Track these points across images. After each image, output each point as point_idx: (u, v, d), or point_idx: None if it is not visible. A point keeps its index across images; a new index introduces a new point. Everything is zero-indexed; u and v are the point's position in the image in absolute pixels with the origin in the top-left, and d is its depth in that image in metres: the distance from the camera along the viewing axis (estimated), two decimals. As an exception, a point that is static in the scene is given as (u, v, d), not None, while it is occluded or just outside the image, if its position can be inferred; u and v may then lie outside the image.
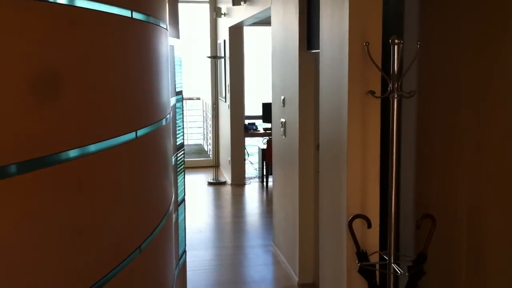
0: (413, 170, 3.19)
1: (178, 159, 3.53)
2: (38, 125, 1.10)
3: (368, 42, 2.75)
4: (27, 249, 1.08)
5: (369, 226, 2.79)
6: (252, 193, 7.51)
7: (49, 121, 1.14)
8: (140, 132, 1.66)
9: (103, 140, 1.37)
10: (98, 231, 1.36)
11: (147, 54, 1.82)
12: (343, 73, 2.99)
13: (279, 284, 4.36)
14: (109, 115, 1.42)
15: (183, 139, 3.70)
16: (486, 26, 2.50)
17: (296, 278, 4.24)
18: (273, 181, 5.14)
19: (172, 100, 3.19)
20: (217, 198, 7.30)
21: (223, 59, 8.05)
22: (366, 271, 2.78)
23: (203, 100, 10.70)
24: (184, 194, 3.78)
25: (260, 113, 8.31)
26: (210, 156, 9.33)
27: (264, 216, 6.27)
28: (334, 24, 3.16)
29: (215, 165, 8.39)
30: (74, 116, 1.23)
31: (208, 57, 8.30)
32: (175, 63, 3.38)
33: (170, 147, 2.35)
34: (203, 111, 10.69)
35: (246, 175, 8.05)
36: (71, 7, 1.23)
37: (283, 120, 4.52)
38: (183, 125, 3.74)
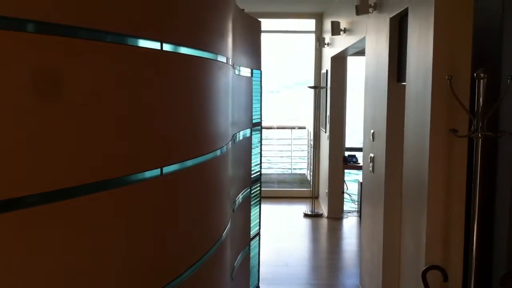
0: (508, 218, 2.84)
1: (253, 192, 3.45)
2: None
3: (451, 76, 2.51)
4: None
5: (445, 279, 2.50)
6: (348, 227, 7.23)
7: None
8: (171, 168, 1.60)
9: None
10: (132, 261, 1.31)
11: (199, 88, 1.77)
12: (426, 108, 2.76)
13: (360, 329, 4.08)
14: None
15: (260, 173, 3.62)
16: None
17: (378, 325, 3.95)
18: (362, 218, 4.89)
19: (246, 132, 3.13)
20: (311, 231, 7.11)
21: (325, 89, 7.93)
22: (441, 329, 2.49)
23: (308, 130, 10.61)
24: (259, 228, 3.68)
25: (362, 145, 8.04)
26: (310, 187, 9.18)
27: (359, 254, 5.98)
28: (420, 55, 2.94)
29: (312, 197, 8.21)
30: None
31: (309, 87, 8.22)
32: (253, 95, 3.33)
33: (225, 177, 2.28)
34: (308, 140, 10.59)
35: (344, 209, 7.78)
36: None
37: (372, 155, 4.29)
38: (261, 157, 3.66)
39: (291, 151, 11.01)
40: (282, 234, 6.84)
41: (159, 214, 1.54)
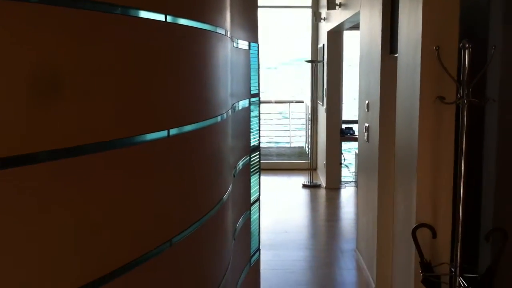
0: (494, 181, 3.02)
1: (252, 160, 3.62)
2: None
3: (438, 46, 2.65)
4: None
5: (434, 236, 2.69)
6: (346, 197, 7.44)
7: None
8: (173, 131, 1.76)
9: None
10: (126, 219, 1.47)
11: (200, 58, 1.92)
12: (416, 78, 2.91)
13: (356, 290, 4.31)
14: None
15: (259, 142, 3.79)
16: None
17: (373, 285, 4.16)
18: (358, 187, 5.08)
19: (245, 103, 3.28)
20: (310, 201, 7.32)
21: (322, 63, 8.06)
22: (430, 282, 2.68)
23: (305, 104, 10.76)
24: (259, 194, 3.87)
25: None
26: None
27: (355, 221, 6.20)
28: (410, 27, 3.08)
29: (311, 168, 8.40)
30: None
31: (307, 61, 8.35)
32: (251, 66, 3.48)
33: (226, 142, 2.44)
34: (306, 114, 10.75)
35: (342, 179, 7.99)
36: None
37: (367, 124, 4.45)
38: (259, 127, 3.83)
39: (289, 125, 11.18)
40: (281, 204, 7.06)
41: (167, 173, 1.71)
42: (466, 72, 2.53)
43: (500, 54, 2.89)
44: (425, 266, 2.69)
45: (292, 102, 11.01)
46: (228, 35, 2.49)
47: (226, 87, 2.42)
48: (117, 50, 1.40)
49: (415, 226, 2.71)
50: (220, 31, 2.25)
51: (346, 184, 7.96)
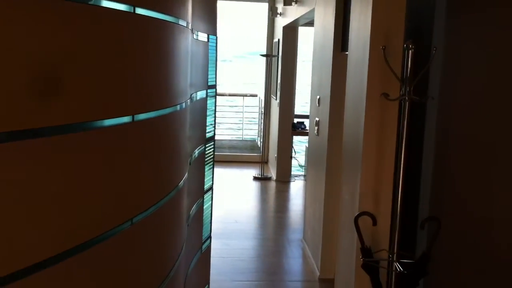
0: (431, 173, 3.24)
1: (207, 150, 3.73)
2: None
3: (385, 46, 2.84)
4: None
5: (374, 223, 2.88)
6: (295, 190, 7.64)
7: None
8: (143, 116, 1.86)
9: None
10: (89, 196, 1.56)
11: (163, 48, 2.02)
12: (363, 75, 3.09)
13: (302, 277, 4.49)
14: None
15: (214, 132, 3.90)
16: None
17: (318, 273, 4.36)
18: (307, 179, 5.27)
19: (202, 93, 3.39)
20: (260, 193, 7.49)
21: (277, 58, 8.22)
22: (369, 267, 2.87)
23: (259, 98, 10.92)
24: (212, 183, 3.99)
25: (310, 112, 8.42)
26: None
27: (303, 213, 6.40)
28: (360, 27, 3.25)
29: (262, 161, 8.57)
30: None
31: (262, 55, 8.50)
32: (209, 58, 3.59)
33: (184, 130, 2.55)
34: (259, 108, 10.90)
35: (292, 173, 8.19)
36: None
37: (317, 119, 4.64)
38: (215, 118, 3.94)
39: (242, 118, 11.32)
40: (232, 195, 7.19)
41: (129, 156, 1.81)
42: (408, 71, 2.72)
43: (442, 56, 3.11)
44: (365, 252, 2.88)
45: (246, 95, 11.14)
46: (189, 27, 2.59)
47: (186, 77, 2.53)
48: (80, 38, 1.48)
49: (357, 214, 2.90)
50: (182, 23, 2.36)
51: (295, 177, 8.16)
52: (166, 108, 2.14)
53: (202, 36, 3.23)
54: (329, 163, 4.24)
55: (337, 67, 4.13)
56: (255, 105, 11.30)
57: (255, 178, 8.09)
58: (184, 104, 2.49)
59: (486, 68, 2.65)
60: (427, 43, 3.23)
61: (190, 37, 2.71)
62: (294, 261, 4.87)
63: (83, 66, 1.48)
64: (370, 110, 3.03)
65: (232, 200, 6.93)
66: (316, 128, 4.66)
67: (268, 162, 8.95)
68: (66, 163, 1.44)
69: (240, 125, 11.52)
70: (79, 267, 1.50)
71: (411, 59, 2.71)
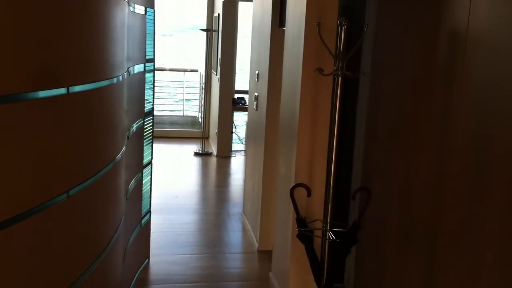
0: (362, 146, 3.39)
1: (146, 124, 3.73)
2: None
3: (319, 23, 2.92)
4: None
5: (309, 195, 2.99)
6: (236, 165, 7.73)
7: None
8: (77, 88, 1.86)
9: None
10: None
11: (98, 20, 2.01)
12: (299, 51, 3.17)
13: (241, 249, 4.60)
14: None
15: (152, 107, 3.90)
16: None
17: (256, 245, 4.47)
18: (246, 153, 5.35)
19: (140, 67, 3.37)
20: (200, 168, 7.53)
21: (217, 33, 8.20)
22: (304, 236, 2.99)
23: (200, 73, 10.86)
24: (151, 158, 3.99)
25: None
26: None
27: (243, 187, 6.49)
28: (296, 3, 3.32)
29: (203, 137, 8.60)
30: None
31: (202, 29, 8.45)
32: (147, 32, 3.56)
33: (121, 104, 2.55)
34: (200, 83, 10.86)
35: (233, 148, 8.26)
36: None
37: (256, 94, 4.70)
38: (153, 92, 3.93)
39: (183, 93, 11.25)
40: (172, 171, 7.21)
41: (65, 128, 1.81)
42: (341, 47, 2.81)
43: (373, 33, 3.22)
44: (300, 222, 2.99)
45: (186, 70, 11.06)
46: (126, 0, 2.58)
47: (123, 50, 2.53)
48: (12, 7, 1.47)
49: (293, 186, 3.00)
50: (115, -5, 2.33)
51: (236, 153, 8.24)
52: (102, 80, 2.14)
53: (139, 9, 3.21)
54: (267, 137, 4.33)
55: (275, 43, 4.20)
56: (196, 80, 11.24)
57: (196, 154, 8.12)
58: (121, 77, 2.49)
59: (409, 45, 2.78)
60: (360, 21, 3.35)
61: (127, 9, 2.69)
62: (234, 234, 4.97)
63: (15, 33, 1.47)
64: (306, 85, 3.12)
65: (173, 176, 6.95)
66: (255, 103, 4.73)
67: (209, 138, 8.98)
68: (-2, 135, 1.44)
69: (181, 101, 11.45)
70: (12, 240, 1.51)
71: (344, 36, 2.80)
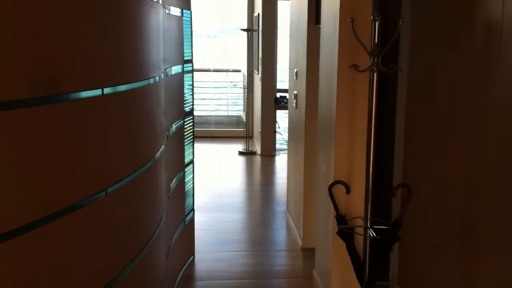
0: (403, 142, 3.34)
1: (186, 124, 3.80)
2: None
3: (353, 19, 2.90)
4: None
5: (348, 192, 2.98)
6: (280, 164, 7.74)
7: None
8: (107, 90, 1.92)
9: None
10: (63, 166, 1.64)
11: (133, 23, 2.07)
12: (334, 47, 3.16)
13: (285, 247, 4.61)
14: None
15: (192, 107, 3.96)
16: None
17: (300, 243, 4.48)
18: (288, 152, 5.36)
19: (177, 68, 3.44)
20: (245, 167, 7.59)
21: (257, 32, 8.24)
22: (344, 233, 2.98)
23: (243, 73, 10.93)
24: (193, 157, 4.06)
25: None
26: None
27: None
28: (331, 0, 3.31)
29: (247, 136, 8.65)
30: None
31: (242, 29, 8.51)
32: (184, 34, 3.62)
33: (159, 103, 2.62)
34: (243, 83, 10.92)
35: (277, 147, 8.28)
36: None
37: (295, 92, 4.71)
38: (193, 93, 3.99)
39: (227, 93, 11.35)
40: (217, 170, 7.29)
41: (103, 128, 1.88)
42: (375, 43, 2.78)
43: (409, 28, 3.18)
44: (340, 219, 2.98)
45: (229, 71, 11.15)
46: (160, 2, 2.64)
47: (159, 51, 2.59)
48: (49, 13, 1.53)
49: (331, 183, 2.99)
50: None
51: (280, 151, 8.26)
52: (139, 81, 2.20)
53: (175, 11, 3.27)
54: (307, 135, 4.33)
55: (311, 40, 4.19)
56: (239, 81, 11.31)
57: (241, 153, 8.19)
58: (157, 78, 2.55)
59: (445, 38, 2.73)
60: (396, 16, 3.30)
61: (161, 11, 2.75)
62: (278, 232, 4.99)
63: (55, 38, 1.54)
64: (342, 81, 3.11)
65: (218, 175, 7.03)
66: (294, 101, 4.73)
67: (253, 137, 9.03)
68: (41, 134, 1.52)
69: (226, 101, 11.55)
70: (51, 236, 1.58)
71: (378, 31, 2.77)
